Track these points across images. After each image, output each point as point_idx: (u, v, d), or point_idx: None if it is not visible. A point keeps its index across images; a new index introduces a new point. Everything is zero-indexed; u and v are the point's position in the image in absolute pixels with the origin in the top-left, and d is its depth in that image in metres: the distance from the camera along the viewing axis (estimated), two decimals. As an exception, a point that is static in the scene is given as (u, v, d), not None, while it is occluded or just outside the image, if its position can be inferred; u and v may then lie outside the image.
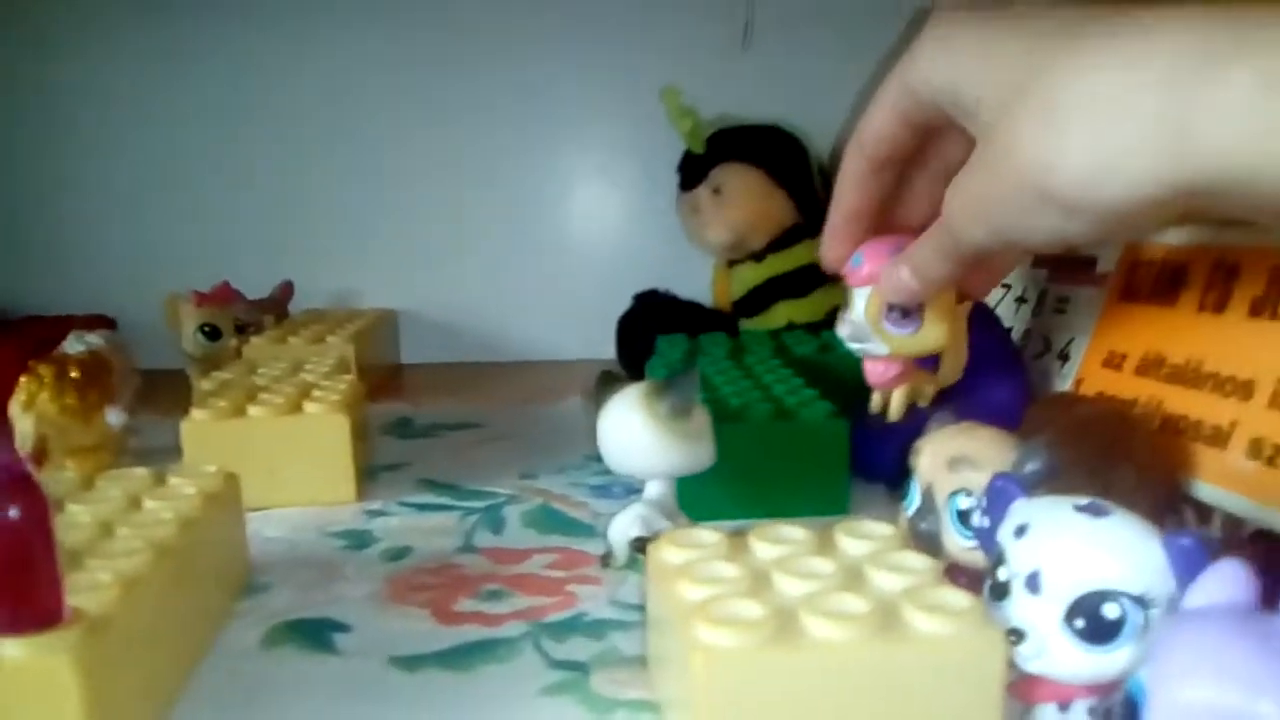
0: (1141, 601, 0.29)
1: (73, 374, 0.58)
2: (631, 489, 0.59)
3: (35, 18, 0.94)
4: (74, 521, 0.41)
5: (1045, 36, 0.32)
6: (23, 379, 0.57)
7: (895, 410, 0.45)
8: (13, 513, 0.31)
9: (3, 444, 0.32)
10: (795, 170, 0.85)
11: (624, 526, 0.48)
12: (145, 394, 0.70)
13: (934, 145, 0.40)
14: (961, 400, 0.51)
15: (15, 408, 0.57)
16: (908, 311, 0.42)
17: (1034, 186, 0.32)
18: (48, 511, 0.32)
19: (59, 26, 0.95)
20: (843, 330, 0.44)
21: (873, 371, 0.45)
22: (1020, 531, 0.31)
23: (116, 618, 0.34)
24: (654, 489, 0.48)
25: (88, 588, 0.35)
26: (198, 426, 0.58)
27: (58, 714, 0.31)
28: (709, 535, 0.37)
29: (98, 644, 0.32)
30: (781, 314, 0.83)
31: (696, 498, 0.50)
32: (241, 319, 0.84)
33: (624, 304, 0.87)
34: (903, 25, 0.71)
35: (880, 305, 0.42)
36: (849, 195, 0.41)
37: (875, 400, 0.46)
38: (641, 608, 0.45)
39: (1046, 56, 0.32)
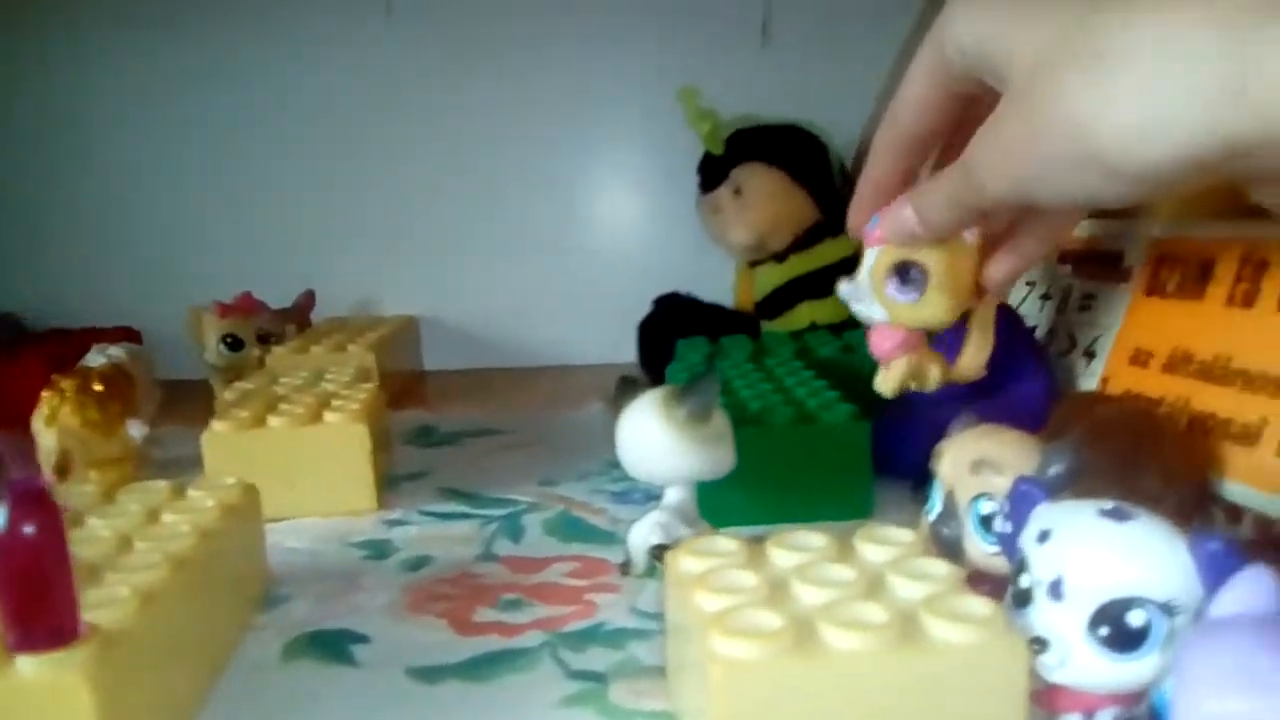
0: (1168, 609, 0.28)
1: (95, 387, 0.58)
2: (652, 495, 0.59)
3: (53, 36, 0.95)
4: (93, 535, 0.41)
5: None
6: (45, 393, 0.57)
7: (887, 383, 0.43)
8: (28, 530, 0.31)
9: (21, 461, 0.32)
10: (816, 169, 0.84)
11: (643, 534, 0.48)
12: (169, 404, 0.70)
13: (974, 118, 0.37)
14: (986, 399, 0.51)
15: (38, 422, 0.57)
16: (912, 279, 0.40)
17: (1074, 141, 0.30)
18: (62, 529, 0.32)
19: (76, 44, 0.96)
20: (843, 289, 0.42)
21: (874, 340, 0.43)
22: (1043, 537, 0.30)
23: (133, 632, 0.34)
24: (674, 495, 0.48)
25: (105, 602, 0.35)
26: (218, 438, 0.58)
27: (73, 731, 0.31)
28: (727, 543, 0.37)
29: (112, 660, 0.32)
30: (804, 314, 0.82)
31: (717, 503, 0.49)
32: (264, 329, 0.85)
33: (645, 307, 0.87)
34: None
35: (886, 267, 0.40)
36: (878, 166, 0.40)
37: (879, 377, 0.44)
38: (661, 616, 0.45)
39: (1087, 8, 0.30)
